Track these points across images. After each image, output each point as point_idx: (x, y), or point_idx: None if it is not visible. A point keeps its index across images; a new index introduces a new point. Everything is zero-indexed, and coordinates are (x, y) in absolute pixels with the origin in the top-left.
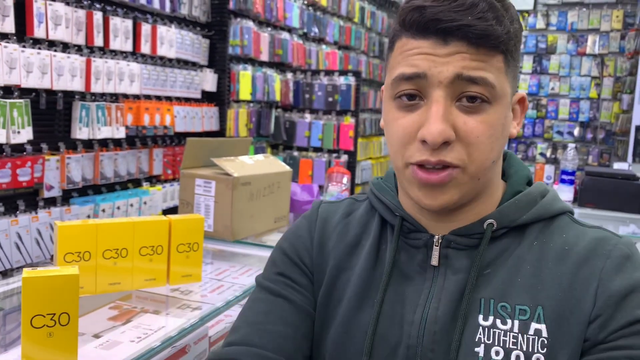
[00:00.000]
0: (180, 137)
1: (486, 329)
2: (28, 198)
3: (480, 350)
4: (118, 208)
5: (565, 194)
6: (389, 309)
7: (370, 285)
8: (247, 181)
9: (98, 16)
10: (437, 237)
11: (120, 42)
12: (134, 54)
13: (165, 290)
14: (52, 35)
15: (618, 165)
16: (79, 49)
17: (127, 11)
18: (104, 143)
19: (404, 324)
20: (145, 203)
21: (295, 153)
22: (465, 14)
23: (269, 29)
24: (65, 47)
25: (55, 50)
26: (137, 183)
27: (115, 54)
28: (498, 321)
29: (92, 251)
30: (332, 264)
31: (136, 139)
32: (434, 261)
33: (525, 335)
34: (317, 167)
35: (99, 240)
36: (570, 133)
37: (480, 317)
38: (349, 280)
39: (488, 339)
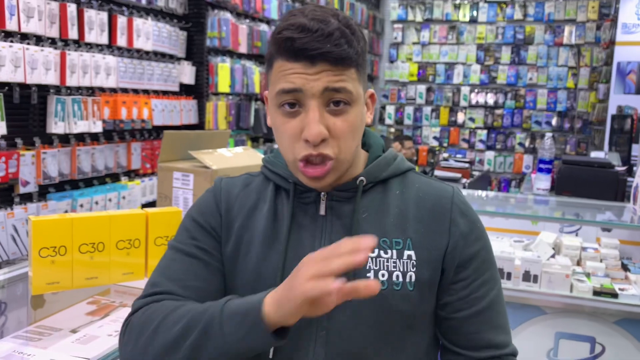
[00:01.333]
0: (159, 131)
1: (374, 259)
2: (3, 194)
3: (371, 274)
4: (96, 203)
5: (543, 182)
6: (291, 253)
7: (273, 237)
8: (225, 174)
9: (72, 8)
10: (322, 194)
11: (96, 34)
12: (110, 47)
13: (144, 283)
14: (25, 28)
15: (595, 154)
16: (53, 42)
17: (102, 3)
18: (81, 137)
19: None
20: (124, 198)
21: (276, 145)
22: (325, 43)
23: (247, 20)
24: (38, 40)
25: (29, 44)
26: (115, 177)
27: (90, 47)
28: (382, 252)
29: (67, 246)
30: (237, 225)
31: (114, 133)
32: (322, 212)
33: (401, 260)
34: None
35: (75, 235)
36: (549, 123)
37: None
38: (253, 236)
39: (375, 265)
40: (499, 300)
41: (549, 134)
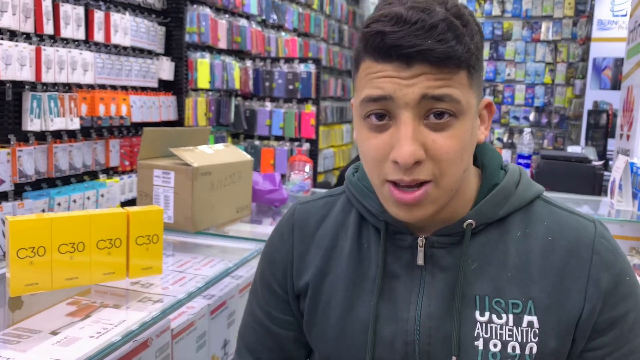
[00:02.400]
0: (138, 128)
1: (484, 324)
2: None
3: (480, 343)
4: (74, 201)
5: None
6: (382, 308)
7: (359, 285)
8: (207, 171)
9: (47, 3)
10: (420, 239)
11: (72, 30)
12: (87, 43)
13: (126, 283)
14: None
15: (572, 149)
16: (27, 37)
17: None
18: (58, 135)
19: (399, 322)
20: (102, 196)
21: (257, 142)
22: (425, 38)
23: (227, 15)
24: (12, 35)
25: (2, 39)
26: (93, 175)
27: (66, 42)
28: (494, 316)
29: (46, 246)
30: (314, 272)
31: (91, 130)
32: (420, 261)
33: (519, 328)
34: (279, 156)
35: (54, 235)
36: (526, 118)
37: (477, 313)
38: (333, 283)
39: (486, 333)
40: None
41: (527, 129)
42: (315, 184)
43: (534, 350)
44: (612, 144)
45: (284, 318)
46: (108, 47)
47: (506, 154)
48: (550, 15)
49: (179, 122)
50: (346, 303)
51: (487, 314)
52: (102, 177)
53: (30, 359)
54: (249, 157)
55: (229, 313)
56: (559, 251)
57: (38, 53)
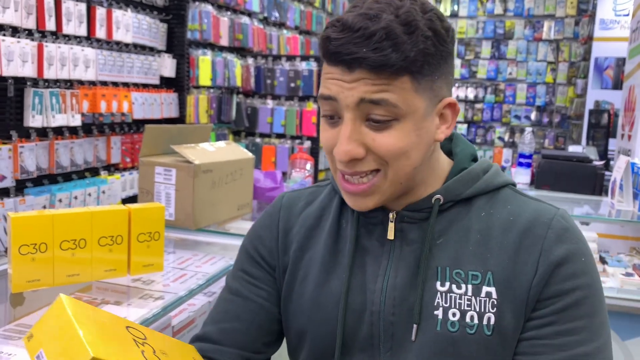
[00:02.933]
0: (139, 124)
1: (443, 294)
2: None
3: (439, 312)
4: (75, 198)
5: (523, 176)
6: (353, 280)
7: (334, 260)
8: (208, 168)
9: None
10: (391, 213)
11: (74, 26)
12: (89, 39)
13: (127, 280)
14: (0, 19)
15: (573, 148)
16: (29, 33)
17: None
18: (59, 131)
19: (367, 292)
20: (103, 192)
21: (258, 139)
22: (362, 46)
23: (229, 13)
24: (14, 31)
25: (4, 35)
26: (95, 172)
27: (68, 38)
28: (454, 286)
29: (48, 242)
30: (294, 247)
31: (93, 127)
32: (390, 235)
33: (477, 298)
34: (280, 154)
35: (56, 231)
36: (528, 117)
37: (438, 283)
38: (312, 259)
39: (445, 302)
40: None
41: (529, 129)
42: (316, 182)
43: (492, 321)
44: (613, 144)
45: (265, 288)
46: (110, 44)
47: (507, 153)
48: (553, 15)
49: (180, 119)
50: (321, 277)
51: (447, 284)
52: (104, 174)
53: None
54: (250, 154)
55: None
56: (518, 228)
57: (40, 49)
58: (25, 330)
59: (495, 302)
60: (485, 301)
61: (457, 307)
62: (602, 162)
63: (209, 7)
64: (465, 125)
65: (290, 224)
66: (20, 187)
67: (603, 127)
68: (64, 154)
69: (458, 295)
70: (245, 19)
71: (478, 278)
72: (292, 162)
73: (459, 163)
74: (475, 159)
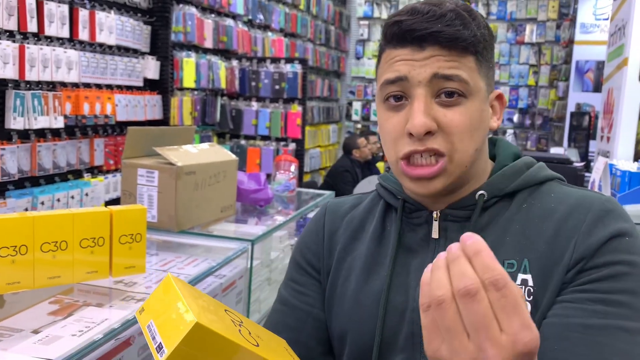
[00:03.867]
0: (123, 127)
1: None
2: None
3: None
4: (58, 200)
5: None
6: (396, 279)
7: (376, 261)
8: (191, 170)
9: (31, 0)
10: (435, 213)
11: (56, 28)
12: (72, 41)
13: (109, 282)
14: None
15: (554, 150)
16: (10, 34)
17: None
18: (42, 133)
19: (410, 291)
20: (87, 195)
21: (243, 142)
22: (435, 23)
23: (213, 15)
24: None
25: None
26: (78, 174)
27: (50, 40)
28: None
29: (29, 245)
30: (339, 248)
31: (76, 129)
32: (435, 234)
33: None
34: (265, 156)
35: (36, 233)
36: (510, 119)
37: None
38: (355, 260)
39: None
40: (631, 348)
41: (510, 131)
42: (300, 184)
43: (528, 308)
44: (594, 146)
45: (311, 294)
46: (93, 46)
47: None
48: (535, 18)
49: (164, 122)
50: (363, 277)
51: None
52: (87, 176)
53: (11, 357)
54: (233, 156)
55: None
56: (558, 216)
57: (22, 51)
58: (5, 333)
59: (532, 290)
60: (521, 289)
61: None
62: (582, 164)
63: (192, 10)
64: None
65: (336, 226)
66: (1, 190)
67: (584, 129)
68: (46, 157)
69: None
70: (229, 22)
71: (514, 266)
72: (276, 163)
73: (501, 161)
74: (518, 157)
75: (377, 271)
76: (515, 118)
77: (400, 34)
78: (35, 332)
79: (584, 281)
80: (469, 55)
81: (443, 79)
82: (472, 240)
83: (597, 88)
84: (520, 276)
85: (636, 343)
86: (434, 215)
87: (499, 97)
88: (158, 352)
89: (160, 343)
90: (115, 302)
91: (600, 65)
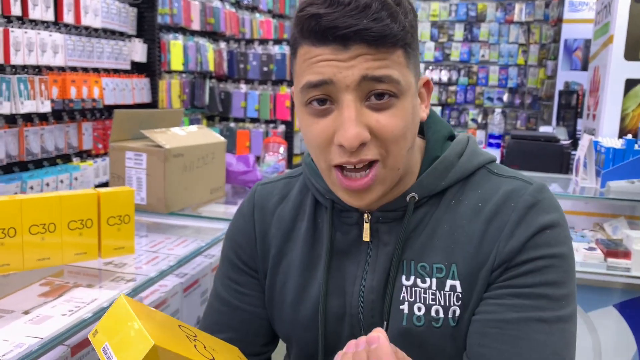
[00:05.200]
0: (111, 110)
1: (409, 288)
2: None
3: (405, 307)
4: (47, 185)
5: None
6: (332, 284)
7: (311, 264)
8: (179, 153)
9: None
10: (366, 214)
11: (41, 11)
12: (57, 24)
13: (99, 264)
14: None
15: (543, 129)
16: None
17: None
18: (29, 118)
19: (346, 295)
20: (76, 179)
21: (232, 124)
22: (360, 18)
23: None
24: None
25: None
26: (66, 159)
27: (35, 24)
28: (418, 280)
29: (17, 227)
30: (273, 252)
31: (63, 113)
32: (366, 237)
33: (442, 292)
34: (254, 138)
35: (24, 216)
36: (500, 99)
37: (404, 277)
38: (290, 265)
39: (411, 296)
40: (547, 338)
41: (498, 110)
42: (290, 165)
43: (457, 314)
44: (581, 124)
45: (253, 294)
46: (78, 29)
47: (480, 135)
48: None
49: (152, 105)
50: (300, 282)
51: (412, 277)
52: (76, 161)
53: (2, 337)
54: (222, 138)
55: (201, 291)
56: (485, 215)
57: (6, 35)
58: None
59: (460, 296)
60: (449, 295)
61: (422, 301)
62: (569, 142)
63: None
64: (440, 108)
65: (266, 225)
66: None
67: (572, 108)
68: (34, 141)
69: (422, 290)
70: (216, 3)
71: (442, 271)
72: (265, 145)
73: (431, 150)
74: (451, 137)
75: (313, 275)
76: (505, 97)
77: (320, 31)
78: (26, 312)
79: (505, 278)
80: (397, 49)
81: (373, 80)
82: (375, 345)
83: (586, 66)
84: (449, 282)
85: (552, 332)
86: (365, 217)
87: (426, 84)
88: None
89: None
90: (105, 283)
91: (588, 44)
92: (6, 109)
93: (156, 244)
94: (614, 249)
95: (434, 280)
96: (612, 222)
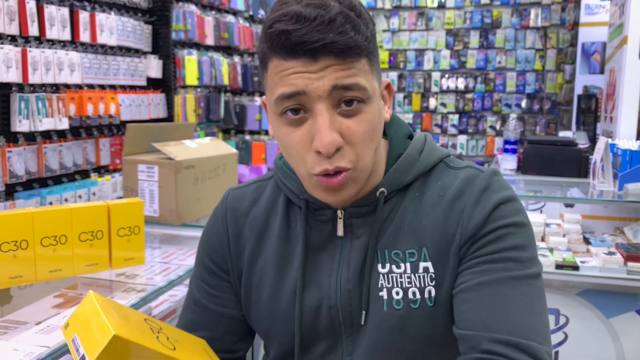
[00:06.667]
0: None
1: (385, 275)
2: None
3: (384, 293)
4: (66, 200)
5: (509, 162)
6: (307, 278)
7: (286, 261)
8: (190, 164)
9: (31, 5)
10: (339, 211)
11: (57, 31)
12: (73, 43)
13: (111, 275)
14: None
15: (563, 134)
16: (13, 39)
17: None
18: (47, 135)
19: (322, 288)
20: (94, 194)
21: (248, 137)
22: (327, 32)
23: (213, 12)
24: None
25: None
26: (85, 174)
27: (52, 43)
28: (394, 266)
29: (29, 239)
30: (247, 252)
31: (81, 130)
32: (340, 232)
33: (416, 274)
34: (270, 150)
35: (36, 228)
36: (518, 105)
37: (379, 266)
38: (265, 264)
39: (388, 283)
40: (520, 291)
41: (513, 115)
42: None
43: (433, 293)
44: (599, 128)
45: (223, 296)
46: (94, 47)
47: (499, 142)
48: (539, 2)
49: (168, 119)
50: (276, 279)
51: (387, 265)
52: (94, 176)
53: (13, 346)
54: (233, 150)
55: None
56: (446, 201)
57: (24, 55)
58: (11, 325)
59: (434, 276)
60: (423, 276)
61: (399, 285)
62: (587, 145)
63: (192, 7)
64: (457, 116)
65: (239, 227)
66: (10, 192)
67: (592, 112)
68: (52, 158)
69: (398, 275)
70: (230, 18)
71: (415, 255)
72: None
73: (395, 147)
74: (410, 136)
75: (288, 271)
76: (524, 103)
77: (289, 46)
78: (38, 323)
79: (473, 250)
80: (362, 58)
81: (342, 89)
82: None
83: (604, 70)
84: (422, 264)
85: (523, 287)
86: (339, 214)
87: (388, 87)
88: None
89: (84, 355)
90: (116, 293)
91: (606, 47)
92: (25, 126)
93: (168, 255)
94: (634, 253)
95: (408, 264)
96: (632, 226)
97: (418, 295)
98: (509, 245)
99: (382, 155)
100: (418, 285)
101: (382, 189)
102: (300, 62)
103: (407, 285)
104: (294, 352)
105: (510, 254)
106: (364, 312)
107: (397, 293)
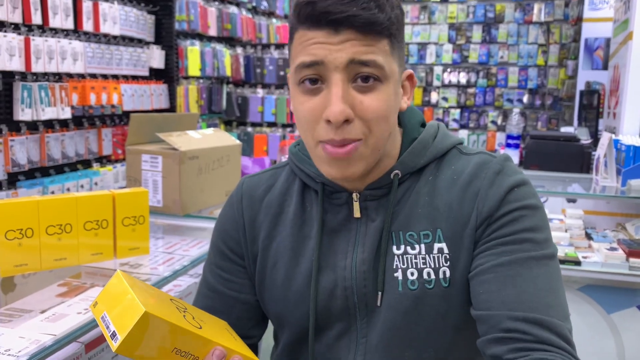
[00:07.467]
0: (129, 116)
1: (400, 256)
2: None
3: (399, 274)
4: (68, 189)
5: (511, 157)
6: (323, 261)
7: (301, 244)
8: (194, 155)
9: None
10: (354, 194)
11: (61, 19)
12: (76, 32)
13: (115, 265)
14: None
15: (565, 129)
16: (16, 27)
17: None
18: (50, 124)
19: (337, 270)
20: (96, 184)
21: (249, 129)
22: (350, 6)
23: (216, 3)
24: (0, 25)
25: None
26: (86, 164)
27: (55, 32)
28: (408, 248)
29: (34, 228)
30: (262, 236)
31: (83, 119)
32: (356, 214)
33: (431, 255)
34: (271, 142)
35: (41, 217)
36: (520, 100)
37: (394, 247)
38: (280, 246)
39: (403, 264)
40: (538, 271)
41: (515, 110)
42: None
43: (447, 274)
44: (602, 124)
45: (237, 280)
46: (97, 37)
47: (500, 137)
48: None
49: (170, 110)
50: (291, 262)
51: (402, 246)
52: (96, 166)
53: (19, 334)
54: (237, 141)
55: None
56: (460, 184)
57: (27, 43)
58: (15, 313)
59: (448, 257)
60: (438, 257)
61: (414, 266)
62: (589, 141)
63: None
64: (459, 110)
65: (254, 211)
66: (12, 181)
67: (594, 108)
68: (55, 147)
69: (413, 256)
70: (233, 9)
71: (429, 237)
72: (281, 148)
73: (409, 133)
74: (423, 124)
75: (303, 254)
76: (525, 99)
77: (314, 16)
78: (43, 312)
79: (490, 232)
80: (383, 38)
81: (359, 64)
82: None
83: (607, 66)
84: (437, 245)
85: (541, 267)
86: (354, 197)
87: (410, 77)
88: (112, 339)
89: (114, 331)
90: None
91: (609, 43)
92: (28, 115)
93: (172, 245)
94: (637, 249)
95: (423, 245)
96: (634, 222)
97: (433, 276)
98: (525, 226)
99: (396, 140)
100: (433, 265)
101: (397, 171)
102: (322, 32)
103: (422, 266)
104: (307, 335)
105: (527, 235)
106: (380, 293)
107: (412, 274)
